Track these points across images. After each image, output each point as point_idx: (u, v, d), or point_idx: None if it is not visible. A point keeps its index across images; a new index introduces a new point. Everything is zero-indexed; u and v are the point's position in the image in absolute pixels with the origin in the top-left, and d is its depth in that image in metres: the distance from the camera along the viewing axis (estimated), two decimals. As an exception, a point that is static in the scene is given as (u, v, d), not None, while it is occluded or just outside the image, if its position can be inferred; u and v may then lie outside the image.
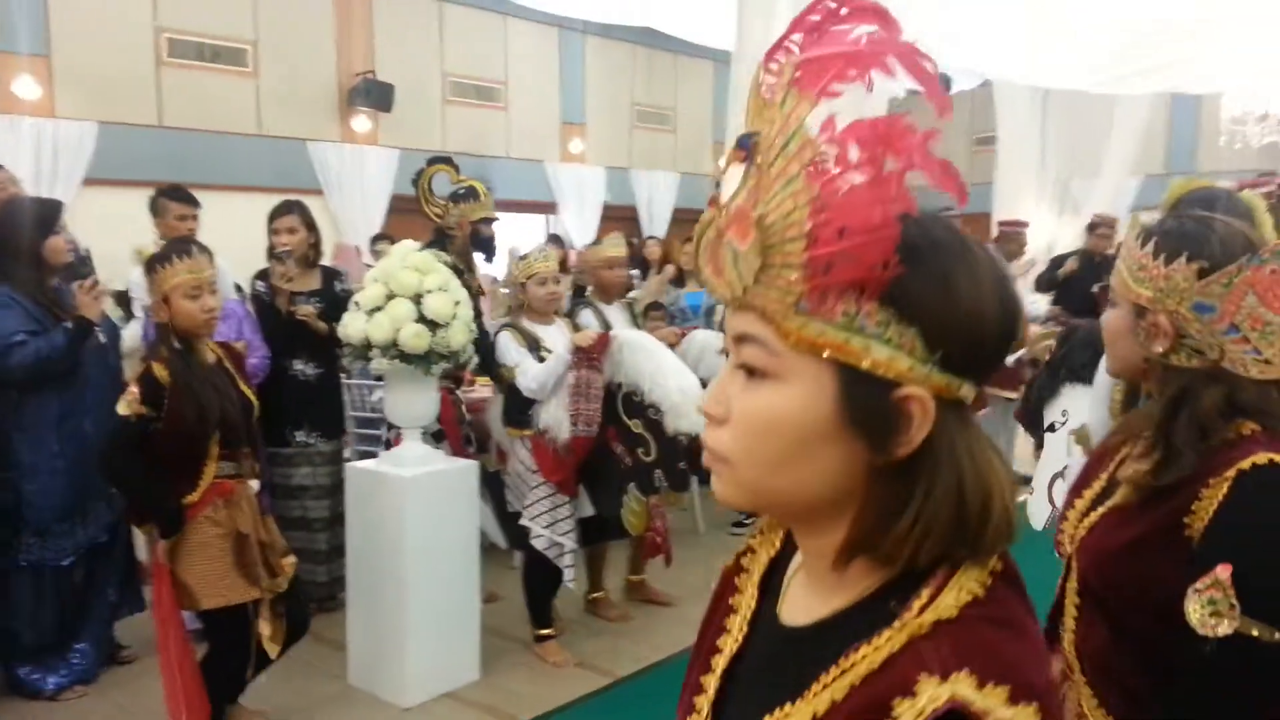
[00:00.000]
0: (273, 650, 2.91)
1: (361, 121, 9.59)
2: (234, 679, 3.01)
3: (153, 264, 2.79)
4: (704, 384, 3.94)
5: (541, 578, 3.79)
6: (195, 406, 2.73)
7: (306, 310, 3.99)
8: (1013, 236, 6.77)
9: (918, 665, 0.63)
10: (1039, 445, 3.48)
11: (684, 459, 3.75)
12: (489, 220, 4.39)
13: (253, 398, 2.98)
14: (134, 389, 2.71)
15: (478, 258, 4.44)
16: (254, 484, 2.94)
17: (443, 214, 4.36)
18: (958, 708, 0.60)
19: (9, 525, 3.37)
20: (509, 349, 3.69)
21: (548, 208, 10.87)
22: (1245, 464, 1.24)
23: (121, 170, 7.93)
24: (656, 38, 10.55)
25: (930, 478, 0.68)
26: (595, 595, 4.19)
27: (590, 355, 3.61)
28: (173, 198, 4.19)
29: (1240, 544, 1.23)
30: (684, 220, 11.35)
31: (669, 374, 3.63)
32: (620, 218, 11.08)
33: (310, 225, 4.20)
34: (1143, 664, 1.35)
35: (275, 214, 4.18)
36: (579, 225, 10.83)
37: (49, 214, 3.52)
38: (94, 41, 7.96)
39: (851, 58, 0.67)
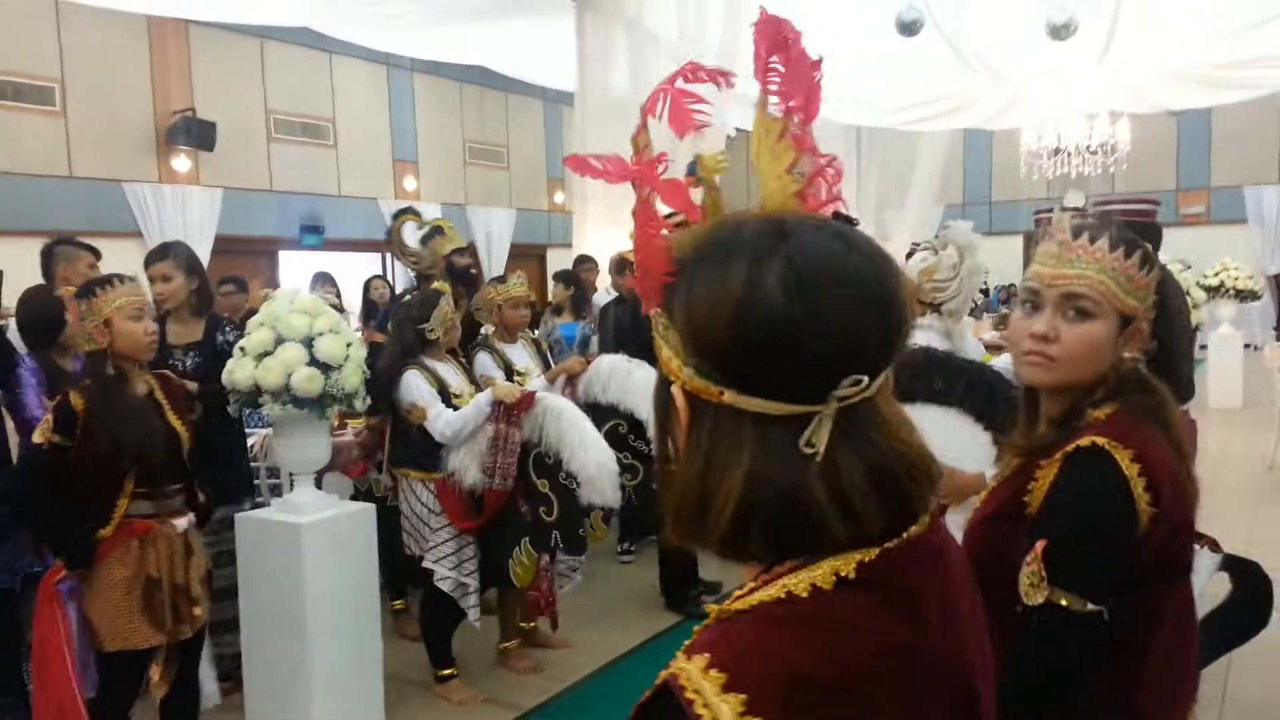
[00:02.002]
0: (158, 692, 2.80)
1: (181, 161, 9.21)
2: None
3: (90, 289, 2.76)
4: (615, 409, 4.08)
5: (439, 618, 3.79)
6: (109, 439, 2.66)
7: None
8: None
9: (688, 648, 0.70)
10: None
11: (583, 526, 3.85)
12: (460, 251, 4.55)
13: (182, 431, 2.86)
14: (49, 416, 2.66)
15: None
16: (180, 522, 2.84)
17: (419, 260, 4.50)
18: (671, 684, 0.67)
19: None
20: (416, 389, 3.67)
21: (384, 246, 10.72)
22: (1072, 446, 1.35)
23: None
24: (486, 75, 10.67)
25: (682, 469, 0.74)
26: (506, 645, 4.14)
27: (512, 411, 3.65)
28: (79, 246, 4.05)
29: (1054, 520, 1.34)
30: (521, 255, 11.46)
31: (590, 448, 3.66)
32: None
33: (191, 270, 3.94)
34: (1000, 634, 1.50)
35: (148, 260, 4.01)
36: (416, 263, 10.72)
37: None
38: (-121, 78, 7.34)
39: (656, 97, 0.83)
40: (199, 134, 9.10)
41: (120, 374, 2.79)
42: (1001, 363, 3.10)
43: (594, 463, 3.66)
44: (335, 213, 10.28)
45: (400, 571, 4.20)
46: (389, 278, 10.78)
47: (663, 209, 0.80)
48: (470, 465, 3.65)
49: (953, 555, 0.79)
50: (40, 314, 3.62)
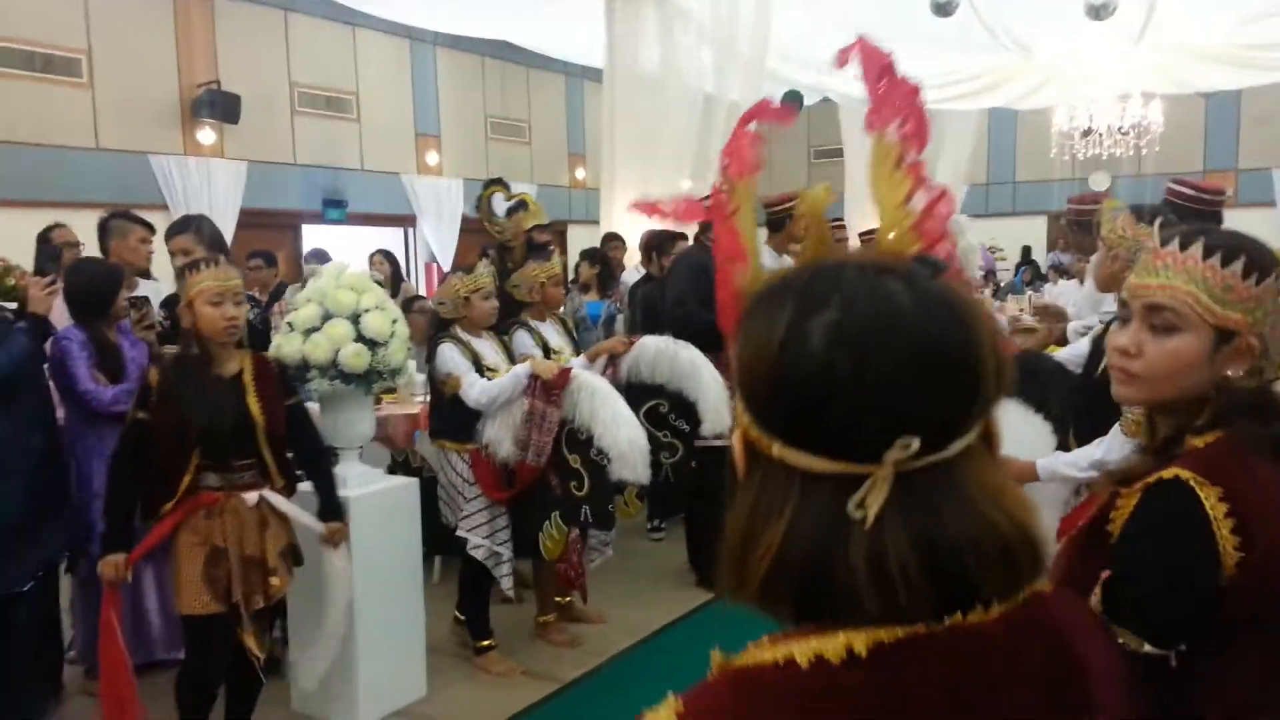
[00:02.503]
0: (259, 657, 2.89)
1: (206, 133, 9.21)
2: (199, 692, 2.91)
3: (183, 271, 2.92)
4: (662, 389, 4.09)
5: (476, 589, 3.83)
6: (175, 416, 2.77)
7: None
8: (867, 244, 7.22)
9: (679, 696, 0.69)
10: None
11: (612, 501, 3.92)
12: (541, 227, 4.66)
13: (258, 415, 2.90)
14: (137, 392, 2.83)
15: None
16: (250, 496, 2.89)
17: (502, 230, 4.56)
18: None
19: None
20: (451, 360, 3.70)
21: (407, 220, 10.73)
22: (1154, 476, 1.24)
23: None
24: (507, 50, 10.62)
25: (730, 520, 0.72)
26: (544, 619, 4.20)
27: (551, 389, 3.69)
28: (134, 220, 4.07)
29: (1121, 553, 1.25)
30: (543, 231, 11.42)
31: (622, 424, 3.70)
32: (480, 230, 11.06)
33: (213, 244, 4.00)
34: None
35: (169, 233, 4.02)
36: (438, 238, 10.74)
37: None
38: (-89, 49, 7.35)
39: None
40: (223, 106, 9.08)
41: (205, 354, 2.87)
42: (1066, 354, 3.11)
43: (625, 439, 3.69)
44: (358, 187, 10.28)
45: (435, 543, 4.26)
46: (409, 251, 10.81)
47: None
48: (504, 438, 3.69)
49: (1031, 649, 0.69)
50: (90, 286, 3.65)
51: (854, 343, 0.65)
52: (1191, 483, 1.20)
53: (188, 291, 2.85)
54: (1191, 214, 3.46)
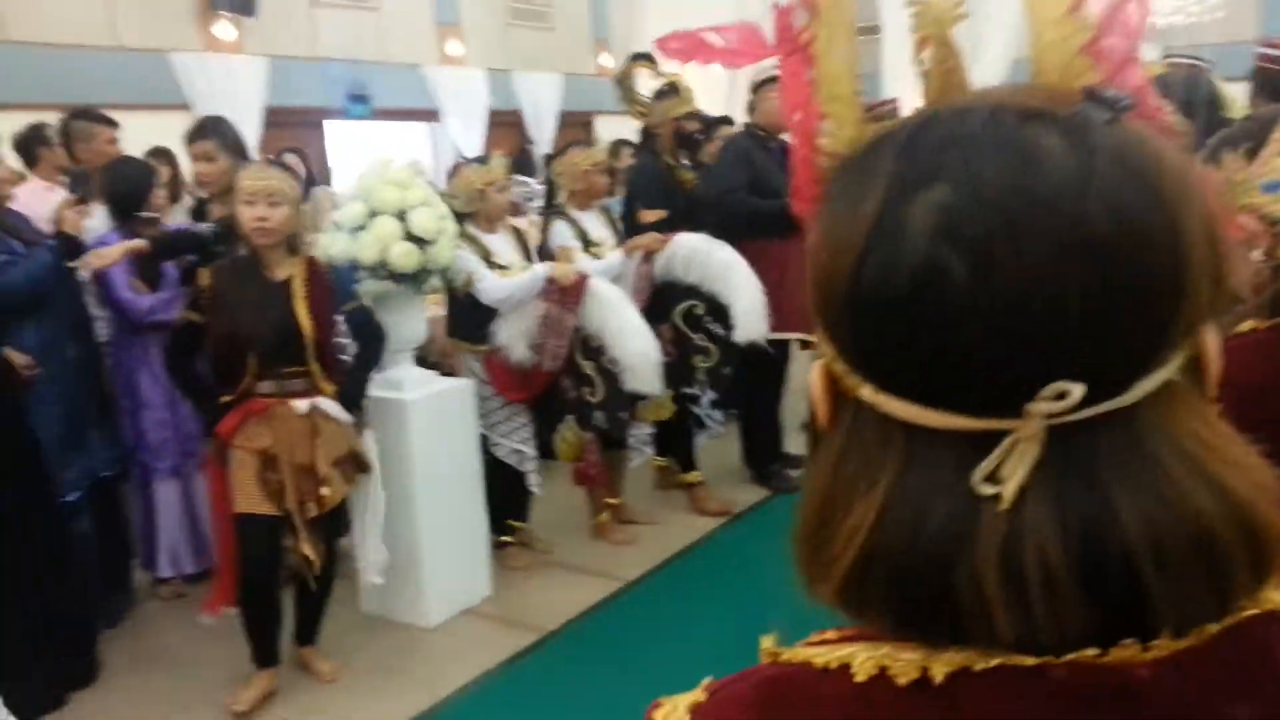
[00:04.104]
0: (313, 566, 2.88)
1: (224, 28, 8.92)
2: (251, 593, 2.91)
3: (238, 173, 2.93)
4: (696, 290, 3.96)
5: (498, 487, 3.76)
6: (225, 321, 2.75)
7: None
8: (887, 116, 6.93)
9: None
10: None
11: (627, 409, 3.87)
12: (692, 116, 4.31)
13: (304, 322, 2.82)
14: (186, 294, 2.87)
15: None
16: (300, 404, 2.85)
17: (647, 113, 4.26)
18: (651, 707, 0.59)
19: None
20: (463, 258, 3.57)
21: (430, 115, 10.46)
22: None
23: (-38, 92, 7.18)
24: (530, -70, 10.16)
25: (807, 484, 0.54)
26: (600, 519, 4.17)
27: (566, 294, 3.61)
28: (96, 120, 3.87)
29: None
30: (570, 124, 11.13)
31: (631, 335, 3.65)
32: (506, 123, 10.78)
33: (235, 148, 3.78)
34: None
35: (189, 136, 3.86)
36: (464, 132, 10.48)
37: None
38: (-86, -55, 7.09)
39: None
40: (240, 0, 8.78)
41: (255, 256, 2.82)
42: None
43: (635, 350, 3.64)
44: (380, 81, 9.98)
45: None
46: (436, 147, 10.57)
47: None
48: (518, 341, 3.63)
49: (1237, 702, 0.46)
50: (123, 186, 3.54)
51: (975, 233, 0.43)
52: None
53: (237, 193, 2.82)
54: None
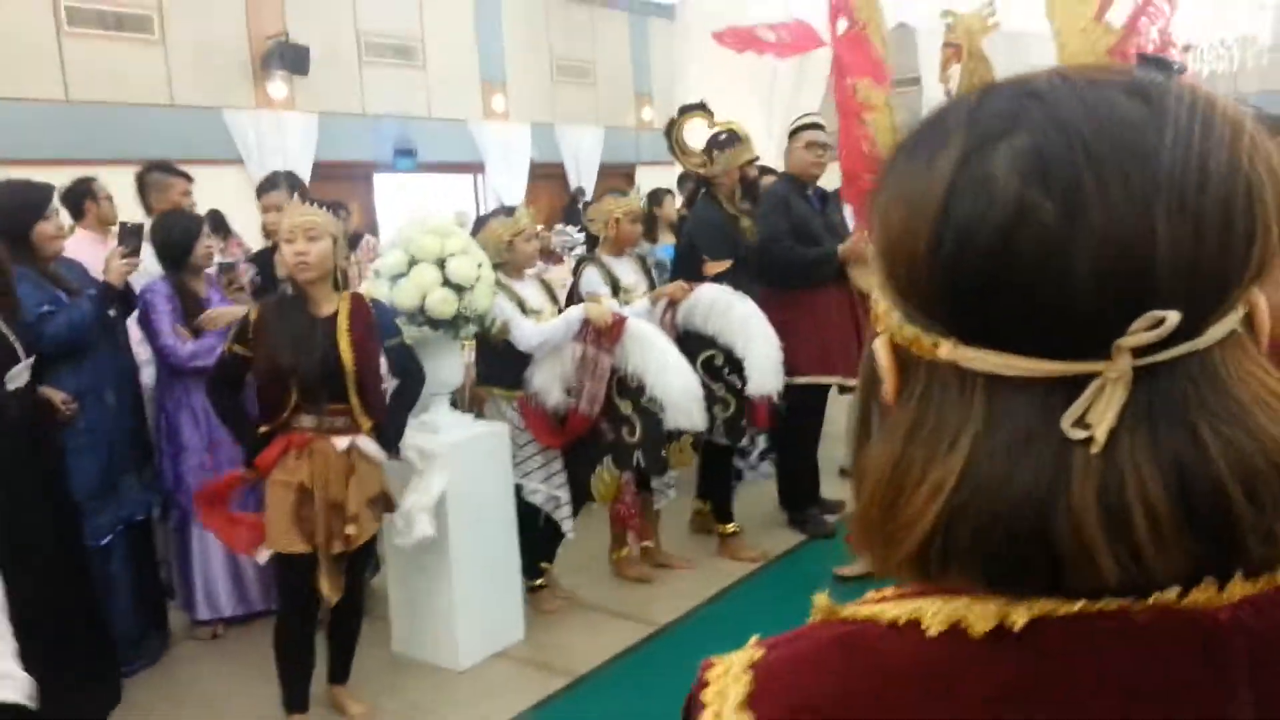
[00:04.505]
0: (330, 599, 2.90)
1: (277, 86, 9.22)
2: (287, 630, 2.96)
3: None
4: (713, 340, 3.99)
5: (534, 531, 3.78)
6: (269, 354, 2.83)
7: None
8: None
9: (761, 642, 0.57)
10: None
11: (665, 448, 3.91)
12: (753, 162, 4.27)
13: (347, 358, 2.89)
14: (235, 329, 2.94)
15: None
16: (339, 441, 2.90)
17: (703, 163, 4.19)
18: (700, 674, 0.58)
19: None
20: (499, 306, 3.62)
21: (475, 168, 10.68)
22: None
23: (28, 149, 7.47)
24: (572, -10, 10.42)
25: (873, 452, 0.54)
26: (617, 555, 4.22)
27: (602, 337, 3.66)
28: (171, 172, 4.11)
29: None
30: (610, 175, 11.29)
31: (673, 372, 3.69)
32: (547, 175, 10.98)
33: (305, 197, 3.98)
34: None
35: (261, 188, 4.01)
36: (507, 184, 10.68)
37: (36, 199, 3.33)
38: (-10, 12, 7.45)
39: None
40: (292, 58, 9.07)
41: (300, 294, 2.91)
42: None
43: (678, 387, 3.67)
44: (426, 135, 10.23)
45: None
46: (478, 198, 10.77)
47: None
48: (553, 386, 3.68)
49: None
50: (169, 237, 3.67)
51: (1064, 174, 0.44)
52: None
53: (279, 234, 2.96)
54: None
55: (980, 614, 0.47)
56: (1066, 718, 0.46)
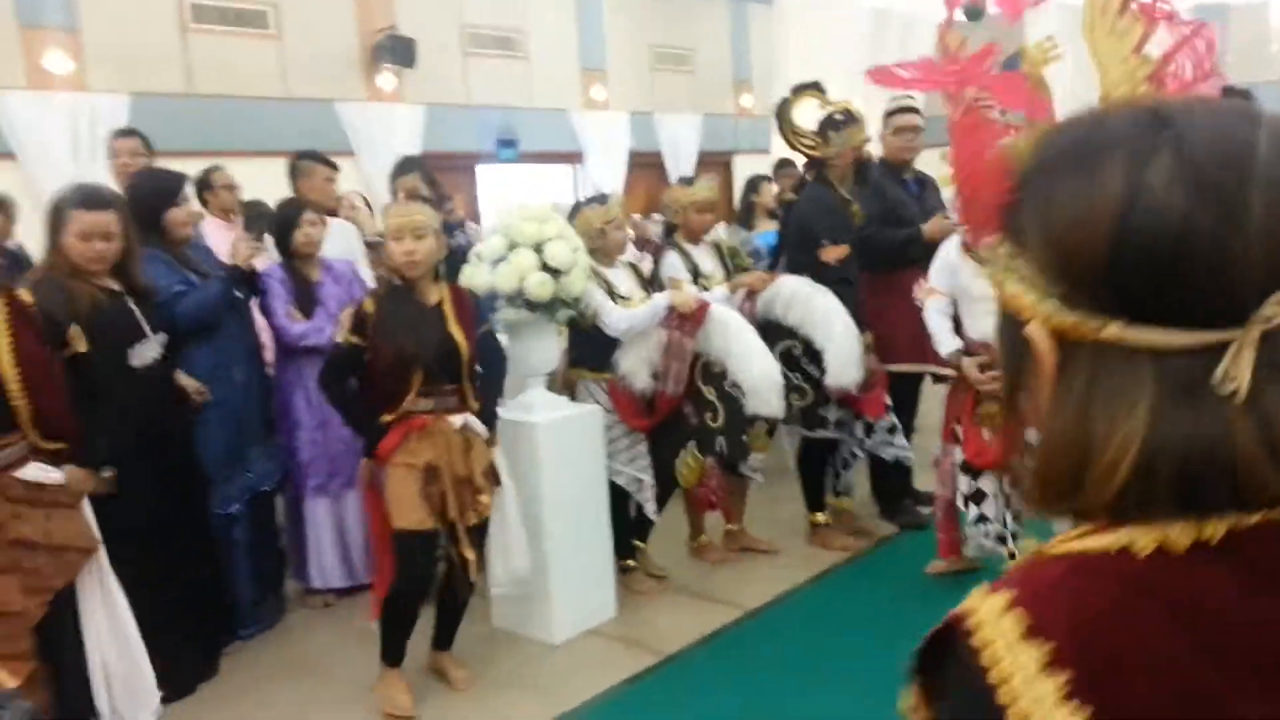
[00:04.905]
0: (473, 573, 3.09)
1: (386, 78, 9.50)
2: (405, 605, 3.10)
3: (385, 210, 3.23)
4: (792, 331, 4.00)
5: (625, 513, 3.88)
6: (391, 343, 2.95)
7: None
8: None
9: (990, 586, 0.62)
10: None
11: (746, 434, 3.94)
12: (866, 144, 4.18)
13: (461, 340, 3.05)
14: (347, 319, 3.02)
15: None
16: (455, 419, 3.05)
17: (818, 145, 4.08)
18: (955, 625, 0.61)
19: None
20: (589, 292, 3.70)
21: (574, 158, 10.82)
22: None
23: (155, 141, 7.88)
24: (673, -22, 10.44)
25: (1050, 423, 0.63)
26: (695, 542, 4.29)
27: (686, 321, 3.73)
28: (318, 160, 4.44)
29: None
30: (708, 164, 11.30)
31: (753, 357, 3.75)
32: (646, 164, 11.04)
33: (433, 182, 4.22)
34: None
35: (396, 172, 4.21)
36: (606, 173, 10.78)
37: (168, 187, 3.54)
38: (120, 11, 7.86)
39: None
40: (401, 51, 9.33)
41: (407, 284, 3.04)
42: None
43: (758, 372, 3.72)
44: (527, 126, 10.40)
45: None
46: (576, 188, 10.90)
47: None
48: (641, 369, 3.76)
49: None
50: (278, 227, 3.87)
51: (1215, 184, 0.56)
52: None
53: (386, 230, 3.08)
54: None
55: (1180, 533, 0.58)
56: (1263, 605, 0.57)
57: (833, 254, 4.02)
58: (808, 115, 4.15)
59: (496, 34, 10.24)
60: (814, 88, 4.17)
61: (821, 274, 4.03)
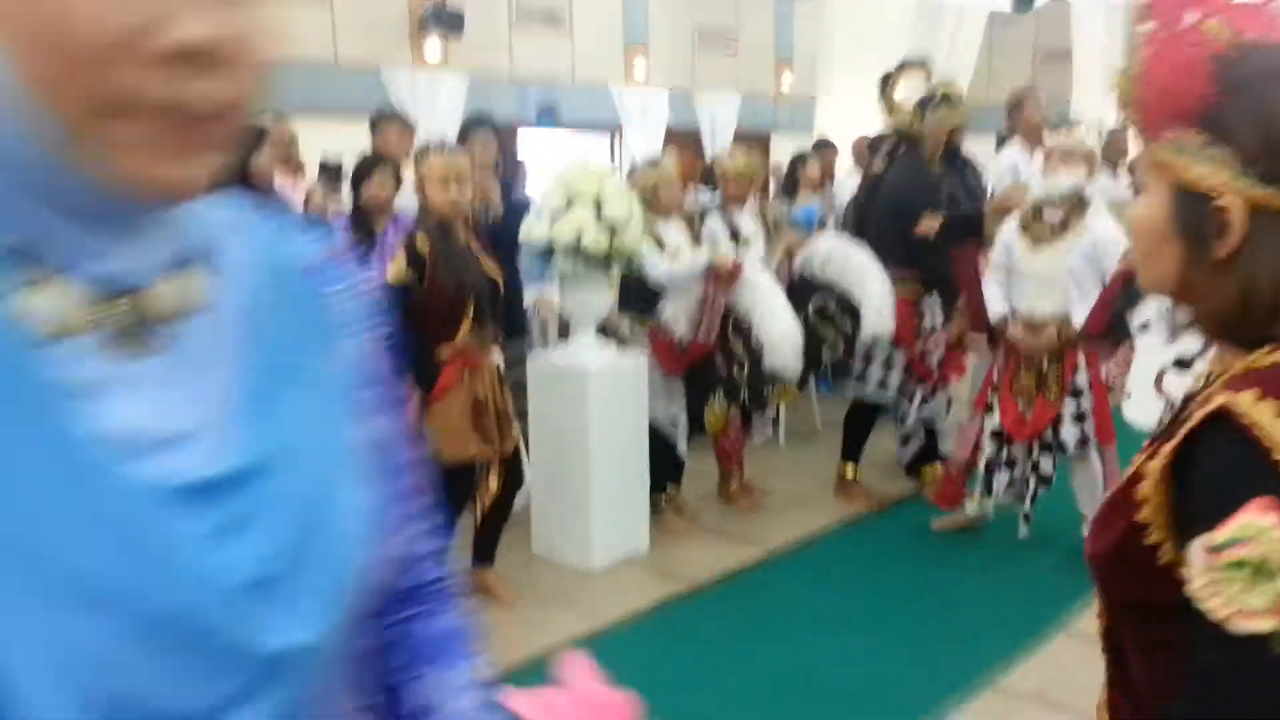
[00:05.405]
0: (513, 488, 3.39)
1: (434, 46, 9.73)
2: (449, 527, 3.34)
3: (419, 156, 3.26)
4: (832, 289, 4.25)
5: (661, 454, 4.15)
6: (453, 276, 3.13)
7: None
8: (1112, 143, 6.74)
9: (1219, 390, 0.82)
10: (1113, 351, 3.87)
11: (768, 386, 4.28)
12: (961, 128, 4.25)
13: (496, 277, 3.30)
14: (400, 259, 3.11)
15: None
16: (496, 355, 3.33)
17: (908, 120, 4.21)
18: (1224, 411, 0.78)
19: None
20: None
21: (612, 130, 11.03)
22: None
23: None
24: (718, -44, 10.60)
25: (1249, 275, 0.82)
26: (729, 489, 4.57)
27: (721, 279, 4.07)
28: (391, 120, 5.01)
29: None
30: (746, 142, 11.46)
31: (777, 317, 4.10)
32: (682, 141, 11.23)
33: (501, 141, 4.52)
34: None
35: (465, 130, 4.51)
36: (643, 147, 10.98)
37: (248, 136, 3.81)
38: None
39: None
40: (448, 21, 9.56)
41: (444, 226, 3.20)
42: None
43: (779, 331, 4.07)
44: (568, 99, 10.61)
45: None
46: (614, 157, 11.11)
47: None
48: (681, 318, 4.13)
49: None
50: (352, 180, 4.15)
51: None
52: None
53: (421, 174, 3.18)
54: None
55: None
56: None
57: (929, 226, 4.18)
58: (906, 89, 4.32)
59: (543, 6, 10.45)
60: (920, 65, 4.39)
61: (910, 244, 4.19)
